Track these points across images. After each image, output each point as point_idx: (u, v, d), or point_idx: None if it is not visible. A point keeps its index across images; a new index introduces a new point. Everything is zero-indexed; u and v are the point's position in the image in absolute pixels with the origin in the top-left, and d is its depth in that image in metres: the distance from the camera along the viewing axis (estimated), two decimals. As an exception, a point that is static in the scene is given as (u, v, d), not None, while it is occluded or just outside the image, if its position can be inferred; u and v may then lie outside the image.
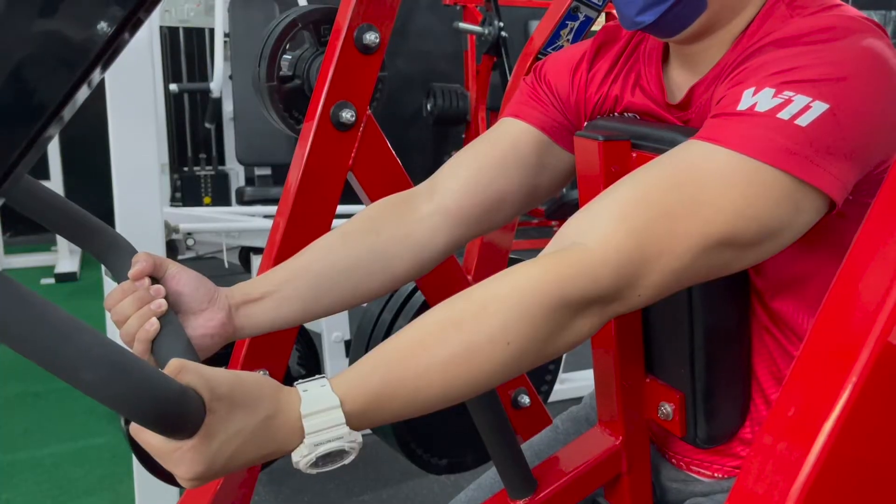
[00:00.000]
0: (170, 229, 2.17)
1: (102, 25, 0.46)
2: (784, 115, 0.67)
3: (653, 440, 1.01)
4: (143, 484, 2.13)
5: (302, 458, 0.62)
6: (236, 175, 4.76)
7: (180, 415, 0.55)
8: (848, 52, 0.69)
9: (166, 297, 0.81)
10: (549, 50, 1.43)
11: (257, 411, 0.60)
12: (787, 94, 0.68)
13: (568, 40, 1.42)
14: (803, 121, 0.67)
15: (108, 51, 0.46)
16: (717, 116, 0.72)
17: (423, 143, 5.79)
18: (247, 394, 0.60)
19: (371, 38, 1.22)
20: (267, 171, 4.25)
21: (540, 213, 4.49)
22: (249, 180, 4.58)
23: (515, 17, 5.06)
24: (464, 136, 5.10)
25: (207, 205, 4.70)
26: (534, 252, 0.83)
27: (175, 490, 2.16)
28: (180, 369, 0.57)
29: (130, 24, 0.46)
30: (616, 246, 0.68)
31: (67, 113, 0.48)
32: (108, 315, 0.84)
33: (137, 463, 2.12)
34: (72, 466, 2.42)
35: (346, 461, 0.64)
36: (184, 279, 0.84)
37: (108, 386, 0.51)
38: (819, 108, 0.67)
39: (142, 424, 0.55)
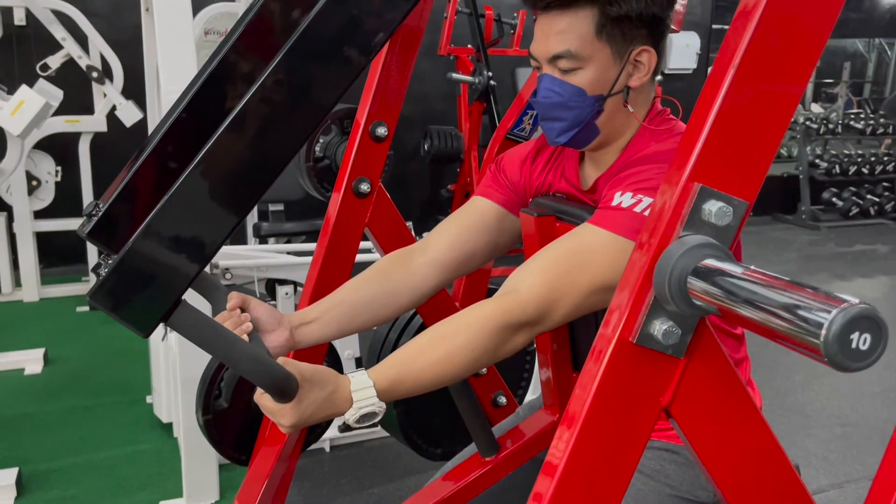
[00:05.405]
0: (211, 265, 2.59)
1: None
2: (637, 209, 1.10)
3: (582, 418, 1.44)
4: (190, 478, 2.51)
5: (351, 416, 1.05)
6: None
7: (287, 388, 0.99)
8: None
9: (251, 322, 1.24)
10: (515, 131, 1.87)
11: (326, 388, 1.03)
12: (639, 196, 1.11)
13: (530, 123, 1.87)
14: (647, 213, 1.10)
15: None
16: (601, 208, 1.16)
17: (422, 178, 6.21)
18: (320, 378, 1.03)
19: (381, 131, 1.65)
20: (280, 207, 4.63)
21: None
22: (263, 214, 4.95)
23: (505, 63, 5.49)
24: (458, 170, 5.52)
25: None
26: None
27: (215, 484, 2.56)
28: (285, 363, 1.00)
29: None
30: (538, 292, 1.10)
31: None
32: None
33: (185, 460, 2.51)
34: (124, 467, 2.76)
35: (376, 420, 1.07)
36: (261, 309, 1.27)
37: (254, 371, 0.95)
38: None
39: (268, 392, 0.99)
